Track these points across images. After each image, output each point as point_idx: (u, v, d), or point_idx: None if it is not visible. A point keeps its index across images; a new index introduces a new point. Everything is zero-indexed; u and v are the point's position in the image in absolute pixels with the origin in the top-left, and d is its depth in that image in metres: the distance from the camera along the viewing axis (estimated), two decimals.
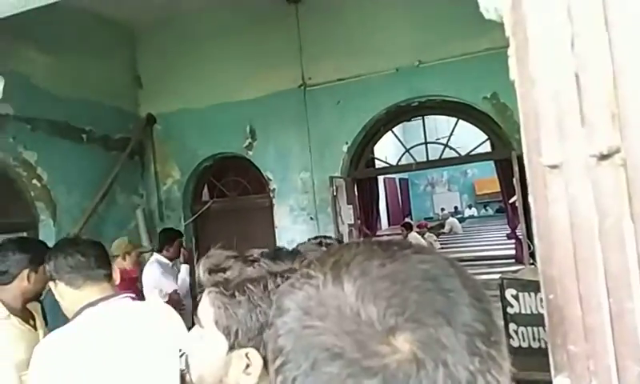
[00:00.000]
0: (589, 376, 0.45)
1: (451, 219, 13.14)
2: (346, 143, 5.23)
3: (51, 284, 1.64)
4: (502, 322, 0.40)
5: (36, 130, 4.54)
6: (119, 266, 3.58)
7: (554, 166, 0.44)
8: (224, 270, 0.90)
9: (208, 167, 5.92)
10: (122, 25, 5.67)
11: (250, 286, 0.84)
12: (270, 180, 5.48)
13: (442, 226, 12.82)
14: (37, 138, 4.53)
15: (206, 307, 0.88)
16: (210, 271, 0.92)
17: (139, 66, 5.95)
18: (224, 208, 5.79)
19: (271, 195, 5.49)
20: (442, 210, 16.13)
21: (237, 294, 0.84)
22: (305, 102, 5.28)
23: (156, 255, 4.27)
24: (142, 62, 5.94)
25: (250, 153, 5.53)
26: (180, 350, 1.67)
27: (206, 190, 6.13)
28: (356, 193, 5.55)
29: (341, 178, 5.14)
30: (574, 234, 0.43)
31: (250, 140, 5.51)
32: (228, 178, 5.94)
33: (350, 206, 5.11)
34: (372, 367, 0.33)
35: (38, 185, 4.60)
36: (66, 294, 1.59)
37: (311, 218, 5.26)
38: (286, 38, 5.27)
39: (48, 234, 4.52)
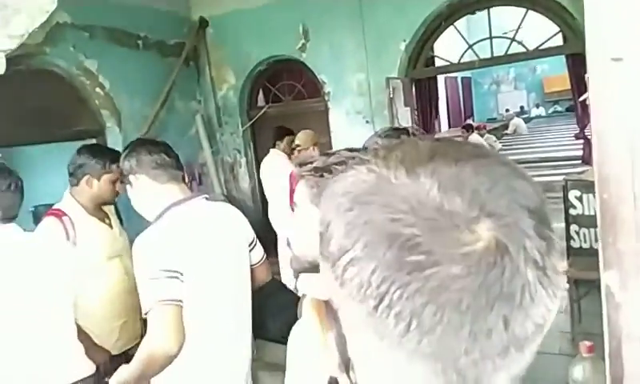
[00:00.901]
0: (637, 272, 0.42)
1: (516, 120, 12.56)
2: (404, 41, 4.97)
3: (131, 178, 1.64)
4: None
5: (94, 38, 4.60)
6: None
7: (617, 59, 0.38)
8: (311, 162, 1.06)
9: (262, 71, 5.86)
10: None
11: (336, 166, 1.00)
12: (325, 83, 5.37)
13: (506, 127, 12.32)
14: (95, 45, 4.60)
15: (302, 190, 1.04)
16: (300, 165, 1.08)
17: None
18: (279, 113, 5.78)
19: (326, 98, 5.40)
20: (507, 110, 15.38)
21: (324, 174, 1.01)
22: None
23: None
24: None
25: (304, 55, 5.39)
26: (252, 242, 1.80)
27: (261, 95, 6.12)
28: (414, 94, 5.35)
29: (398, 78, 4.94)
30: (633, 134, 0.37)
31: (303, 41, 5.35)
32: (282, 81, 5.87)
33: (408, 109, 4.95)
34: (454, 255, 0.34)
35: (102, 93, 4.75)
36: (148, 189, 1.63)
37: (367, 122, 5.16)
38: None
39: (115, 140, 4.73)
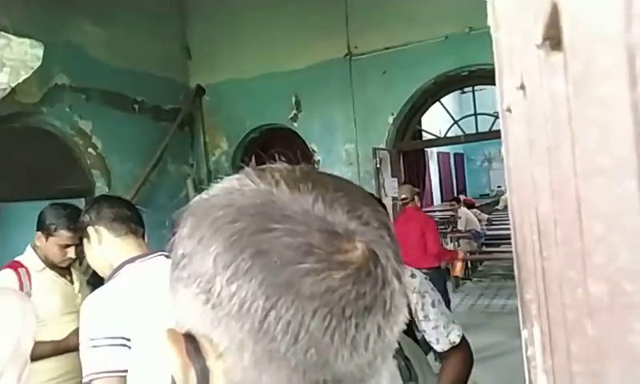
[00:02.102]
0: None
1: (506, 196, 12.67)
2: (392, 114, 5.13)
3: (89, 230, 1.62)
4: None
5: (90, 100, 4.74)
6: (413, 206, 4.40)
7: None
8: None
9: (255, 138, 6.00)
10: None
11: None
12: (315, 151, 5.49)
13: (497, 202, 12.44)
14: (91, 107, 4.73)
15: None
16: None
17: (188, 38, 6.05)
18: None
19: (316, 167, 5.49)
20: (499, 186, 15.62)
21: None
22: (350, 71, 5.20)
23: None
24: (191, 34, 6.04)
25: (296, 124, 5.54)
26: None
27: (253, 161, 6.22)
28: (402, 167, 5.45)
29: (385, 149, 5.06)
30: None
31: (295, 111, 5.52)
32: (274, 149, 5.99)
33: (395, 179, 5.03)
34: (341, 261, 0.35)
35: (94, 153, 4.82)
36: (105, 242, 1.60)
37: None
38: (332, 6, 5.19)
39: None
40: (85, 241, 1.65)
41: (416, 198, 4.52)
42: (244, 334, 0.35)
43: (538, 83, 0.33)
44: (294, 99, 5.50)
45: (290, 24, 5.41)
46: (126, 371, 1.40)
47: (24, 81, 2.31)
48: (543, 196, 0.34)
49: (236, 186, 0.39)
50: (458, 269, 5.24)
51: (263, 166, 0.42)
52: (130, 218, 1.64)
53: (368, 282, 0.36)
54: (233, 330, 0.35)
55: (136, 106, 5.26)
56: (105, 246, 1.61)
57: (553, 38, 0.26)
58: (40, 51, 2.07)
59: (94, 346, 1.41)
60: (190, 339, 0.38)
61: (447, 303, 4.73)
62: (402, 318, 0.38)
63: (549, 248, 0.34)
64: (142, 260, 1.60)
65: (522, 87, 0.41)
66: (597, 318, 0.21)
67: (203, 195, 0.41)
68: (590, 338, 0.22)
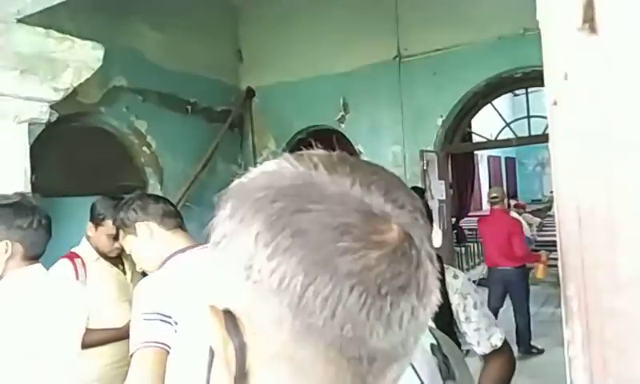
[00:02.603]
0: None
1: None
2: (441, 116, 5.05)
3: (137, 226, 1.66)
4: None
5: (146, 101, 4.93)
6: (501, 207, 4.67)
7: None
8: None
9: (302, 139, 6.05)
10: (225, 0, 5.92)
11: None
12: (361, 153, 5.47)
13: (549, 208, 12.01)
14: (147, 108, 4.92)
15: None
16: None
17: (240, 41, 6.19)
18: None
19: None
20: (552, 192, 15.04)
21: None
22: (399, 73, 5.16)
23: None
24: (244, 37, 6.16)
25: (343, 125, 5.55)
26: None
27: None
28: (450, 169, 5.36)
29: (433, 151, 4.99)
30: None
31: (342, 113, 5.53)
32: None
33: (442, 182, 4.95)
34: (378, 241, 0.36)
35: (148, 152, 5.02)
36: (157, 236, 1.65)
37: None
38: (382, 8, 5.17)
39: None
40: (129, 237, 1.69)
41: (505, 200, 4.77)
42: (283, 309, 0.36)
43: (581, 69, 0.33)
44: (341, 101, 5.52)
45: (340, 27, 5.43)
46: (168, 346, 1.47)
47: (85, 82, 2.43)
48: (583, 181, 0.34)
49: (275, 169, 0.41)
50: (540, 272, 5.11)
51: (301, 152, 0.43)
52: (176, 213, 1.71)
53: (403, 262, 0.37)
54: (272, 305, 0.37)
55: (189, 108, 5.42)
56: (157, 239, 1.66)
57: (591, 20, 0.26)
58: (101, 53, 2.18)
59: (145, 320, 1.49)
60: (230, 316, 0.39)
61: (527, 301, 4.77)
62: (435, 300, 0.39)
63: (589, 235, 0.34)
64: (191, 250, 1.66)
65: (566, 77, 0.40)
66: (625, 295, 0.21)
67: (242, 179, 0.43)
68: (621, 319, 0.22)
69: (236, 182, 0.43)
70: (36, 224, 1.58)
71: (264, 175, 0.41)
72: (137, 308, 1.54)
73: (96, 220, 2.33)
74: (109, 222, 2.28)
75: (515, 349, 4.71)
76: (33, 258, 1.61)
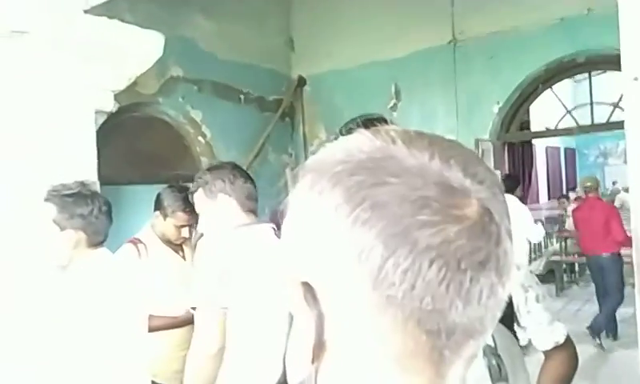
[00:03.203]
0: None
1: (623, 194, 11.63)
2: (498, 103, 4.88)
3: (221, 197, 1.71)
4: None
5: (201, 91, 5.04)
6: (595, 195, 4.82)
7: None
8: None
9: (352, 129, 6.00)
10: None
11: None
12: None
13: (612, 201, 11.45)
14: (202, 98, 5.03)
15: None
16: None
17: (292, 30, 6.20)
18: None
19: None
20: (614, 183, 14.29)
21: None
22: (454, 58, 5.02)
23: None
24: (295, 25, 6.17)
25: (395, 114, 5.47)
26: None
27: None
28: (506, 159, 5.19)
29: (488, 140, 4.83)
30: None
31: (394, 100, 5.44)
32: None
33: (498, 172, 4.79)
34: (457, 215, 0.36)
35: (203, 141, 5.13)
36: (233, 213, 1.71)
37: None
38: None
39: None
40: (205, 199, 1.74)
41: (599, 189, 4.93)
42: (362, 281, 0.37)
43: None
44: (393, 88, 5.44)
45: (392, 11, 5.33)
46: (226, 308, 1.54)
47: (144, 73, 2.51)
48: None
49: (353, 143, 0.41)
50: None
51: (377, 127, 0.43)
52: (256, 197, 1.76)
53: (483, 237, 0.37)
54: (351, 277, 0.37)
55: (242, 97, 5.50)
56: (230, 216, 1.71)
57: None
58: (162, 42, 2.23)
59: (207, 279, 1.56)
60: (308, 287, 0.40)
61: (620, 291, 4.69)
62: (513, 277, 0.39)
63: None
64: (255, 225, 1.72)
65: None
66: None
67: (318, 155, 0.43)
68: None
69: (312, 157, 0.44)
70: (97, 211, 1.62)
71: (341, 150, 0.41)
72: (198, 263, 1.61)
73: (164, 210, 2.41)
74: (179, 214, 2.37)
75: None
76: (97, 244, 1.66)
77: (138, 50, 2.09)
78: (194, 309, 1.60)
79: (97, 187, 1.72)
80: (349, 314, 0.39)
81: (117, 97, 2.49)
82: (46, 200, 1.61)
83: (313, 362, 0.41)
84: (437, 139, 0.41)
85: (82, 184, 1.67)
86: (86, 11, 1.93)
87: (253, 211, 1.76)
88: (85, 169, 1.96)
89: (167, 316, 2.29)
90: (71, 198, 1.61)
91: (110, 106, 2.20)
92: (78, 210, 1.60)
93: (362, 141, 0.41)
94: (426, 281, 0.35)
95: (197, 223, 2.65)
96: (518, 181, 4.89)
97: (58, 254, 1.61)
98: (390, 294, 0.36)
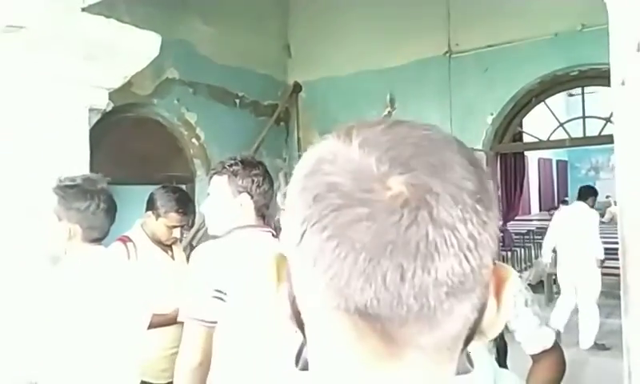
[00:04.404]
0: None
1: (614, 208, 11.73)
2: (491, 114, 4.92)
3: (243, 197, 1.67)
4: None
5: (196, 94, 5.04)
6: None
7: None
8: None
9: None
10: None
11: None
12: None
13: (603, 214, 11.54)
14: (197, 100, 5.03)
15: None
16: None
17: (289, 36, 6.22)
18: None
19: None
20: (607, 197, 14.42)
21: None
22: (449, 69, 5.06)
23: None
24: (292, 32, 6.20)
25: None
26: None
27: None
28: (499, 170, 5.22)
29: (481, 150, 4.87)
30: None
31: (389, 109, 5.47)
32: None
33: (490, 182, 4.81)
34: (364, 199, 0.37)
35: (197, 143, 5.13)
36: (244, 212, 1.67)
37: None
38: (433, 1, 5.08)
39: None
40: (227, 190, 1.68)
41: None
42: (294, 247, 0.40)
43: None
44: (388, 97, 5.47)
45: (389, 21, 5.37)
46: (215, 323, 1.53)
47: (139, 73, 2.51)
48: None
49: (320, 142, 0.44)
50: None
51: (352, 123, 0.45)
52: (272, 195, 1.75)
53: (389, 220, 0.36)
54: (292, 259, 0.42)
55: (237, 101, 5.50)
56: (241, 216, 1.68)
57: None
58: (158, 42, 2.24)
59: (198, 292, 1.55)
60: (283, 259, 0.45)
61: None
62: (444, 269, 0.37)
63: None
64: (252, 229, 1.69)
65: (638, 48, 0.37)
66: None
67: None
68: None
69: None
70: (94, 207, 1.61)
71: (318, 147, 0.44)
72: (190, 276, 1.60)
73: (157, 210, 2.41)
74: (172, 215, 2.37)
75: None
76: (92, 240, 1.65)
77: (133, 48, 2.10)
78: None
79: (104, 184, 1.68)
80: (303, 295, 0.42)
81: (111, 96, 2.49)
82: (53, 190, 1.62)
83: (295, 331, 0.44)
84: (371, 128, 0.42)
85: (88, 179, 1.66)
86: (83, 9, 1.93)
87: (264, 217, 1.75)
88: (77, 166, 1.96)
89: (156, 313, 2.29)
90: (72, 190, 1.61)
91: (105, 104, 2.20)
92: (75, 204, 1.60)
93: (323, 141, 0.44)
94: (330, 258, 0.37)
95: (188, 224, 2.65)
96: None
97: (52, 244, 1.63)
98: (310, 278, 0.39)
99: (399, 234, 0.36)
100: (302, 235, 0.39)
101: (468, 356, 0.46)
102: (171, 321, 2.25)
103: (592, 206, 5.13)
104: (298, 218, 0.39)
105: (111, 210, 1.69)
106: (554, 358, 1.53)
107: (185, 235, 2.78)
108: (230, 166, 1.72)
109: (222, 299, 1.55)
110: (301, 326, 0.44)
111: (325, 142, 0.43)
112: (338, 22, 5.69)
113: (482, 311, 0.41)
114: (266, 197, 1.72)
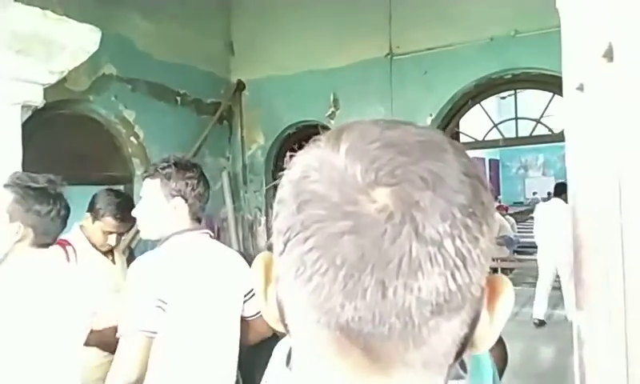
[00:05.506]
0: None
1: (542, 204, 12.42)
2: (430, 115, 5.08)
3: (176, 200, 1.63)
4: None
5: (135, 91, 4.87)
6: None
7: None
8: None
9: (291, 134, 6.04)
10: None
11: None
12: None
13: (532, 211, 12.19)
14: (136, 98, 4.86)
15: None
16: None
17: (232, 33, 6.14)
18: None
19: None
20: (534, 193, 15.27)
21: None
22: (390, 71, 5.18)
23: None
24: (235, 29, 6.12)
25: (332, 122, 5.55)
26: (249, 293, 1.76)
27: (287, 157, 6.27)
28: None
29: None
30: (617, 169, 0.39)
31: (332, 108, 5.53)
32: None
33: (487, 192, 4.97)
34: (347, 211, 0.35)
35: (135, 142, 4.95)
36: (178, 217, 1.64)
37: None
38: (376, 5, 5.18)
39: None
40: (160, 193, 1.65)
41: None
42: (278, 256, 0.39)
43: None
44: (332, 97, 5.52)
45: (333, 22, 5.42)
46: (155, 333, 1.48)
47: (74, 69, 2.39)
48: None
49: (307, 145, 0.43)
50: None
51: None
52: (207, 198, 1.72)
53: (370, 235, 0.35)
54: (277, 248, 0.40)
55: (178, 99, 5.37)
56: (175, 220, 1.64)
57: None
58: (97, 36, 2.15)
59: (135, 304, 1.50)
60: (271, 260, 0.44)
61: None
62: (428, 287, 0.35)
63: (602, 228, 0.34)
64: (189, 233, 1.66)
65: (607, 54, 0.40)
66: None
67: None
68: None
69: None
70: (54, 213, 1.53)
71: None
72: (128, 291, 1.54)
73: (95, 213, 2.31)
74: (108, 219, 2.27)
75: None
76: (41, 245, 1.56)
77: (71, 43, 2.00)
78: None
79: (63, 187, 1.59)
80: (287, 302, 0.42)
81: (44, 92, 2.36)
82: (6, 186, 1.49)
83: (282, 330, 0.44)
84: (360, 136, 0.39)
85: (50, 181, 1.55)
86: (16, 0, 1.82)
87: (199, 219, 1.72)
88: (9, 164, 1.84)
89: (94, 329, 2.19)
90: (34, 192, 1.50)
91: (39, 100, 2.08)
92: (36, 206, 1.49)
93: (321, 144, 0.42)
94: (313, 272, 0.36)
95: (127, 231, 2.54)
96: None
97: None
98: (293, 287, 0.38)
99: (381, 249, 0.34)
100: (285, 244, 0.38)
101: (462, 362, 0.44)
102: (108, 338, 2.16)
103: (566, 201, 5.47)
104: (283, 226, 0.38)
105: (67, 217, 1.61)
106: (496, 351, 1.61)
107: (124, 238, 2.67)
108: (163, 168, 1.68)
109: (162, 309, 1.51)
110: (288, 329, 0.43)
111: (314, 146, 0.41)
112: (282, 21, 5.68)
113: (473, 326, 0.40)
114: (202, 199, 1.69)
